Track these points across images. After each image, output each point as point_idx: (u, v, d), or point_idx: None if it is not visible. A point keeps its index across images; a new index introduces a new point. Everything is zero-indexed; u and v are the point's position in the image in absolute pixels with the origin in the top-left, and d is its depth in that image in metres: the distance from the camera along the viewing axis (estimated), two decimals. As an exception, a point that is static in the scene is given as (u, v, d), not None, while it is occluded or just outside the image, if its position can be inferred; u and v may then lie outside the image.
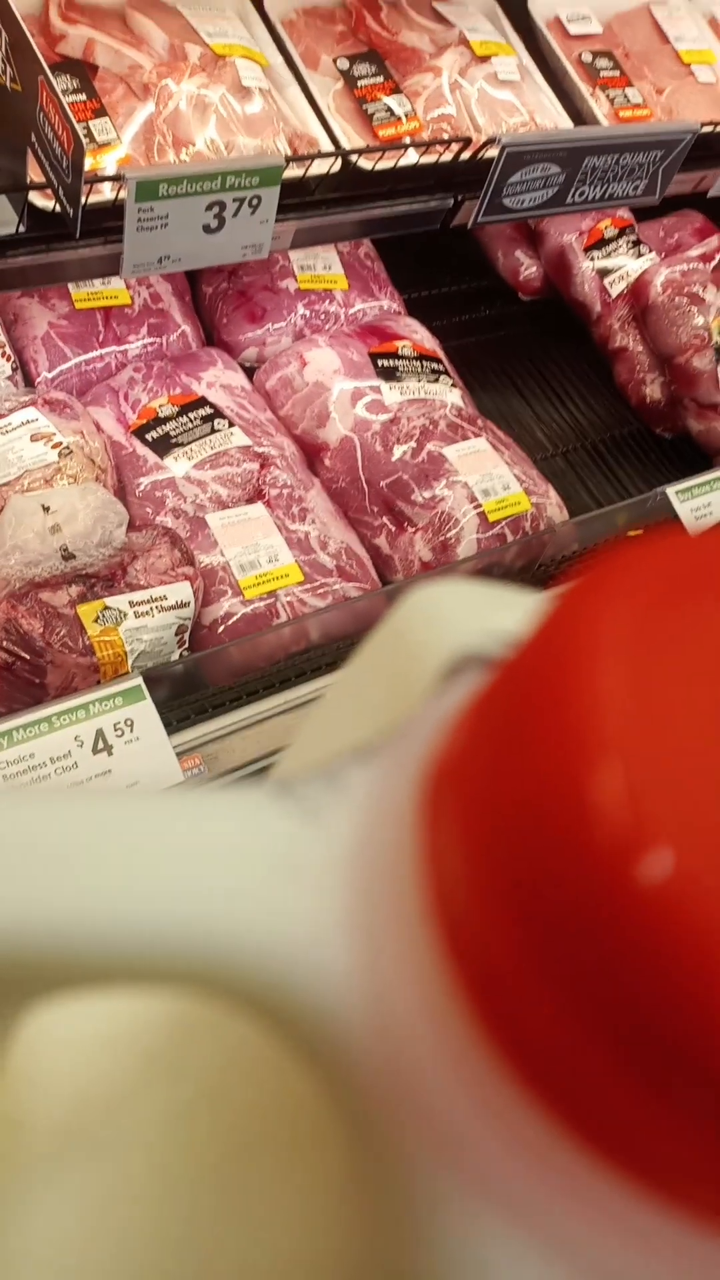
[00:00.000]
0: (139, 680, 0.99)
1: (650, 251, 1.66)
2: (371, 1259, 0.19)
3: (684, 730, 0.15)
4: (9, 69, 0.90)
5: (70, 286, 1.29)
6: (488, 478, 1.29)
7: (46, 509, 1.07)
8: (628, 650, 0.16)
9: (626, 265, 1.64)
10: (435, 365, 1.40)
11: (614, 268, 1.64)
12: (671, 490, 1.34)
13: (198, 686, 1.10)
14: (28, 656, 1.02)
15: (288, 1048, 0.19)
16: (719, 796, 0.14)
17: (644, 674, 0.15)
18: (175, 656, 1.09)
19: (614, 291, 1.63)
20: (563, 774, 0.15)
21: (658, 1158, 0.15)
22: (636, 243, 1.66)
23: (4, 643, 1.02)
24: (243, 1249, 0.21)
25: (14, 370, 1.24)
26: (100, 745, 0.99)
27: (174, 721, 1.05)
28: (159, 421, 1.24)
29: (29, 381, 1.27)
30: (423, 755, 0.18)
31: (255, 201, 1.00)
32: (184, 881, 0.18)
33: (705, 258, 1.57)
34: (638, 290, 1.57)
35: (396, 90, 1.24)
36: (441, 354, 1.45)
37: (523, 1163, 0.16)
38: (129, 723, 1.00)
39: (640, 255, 1.65)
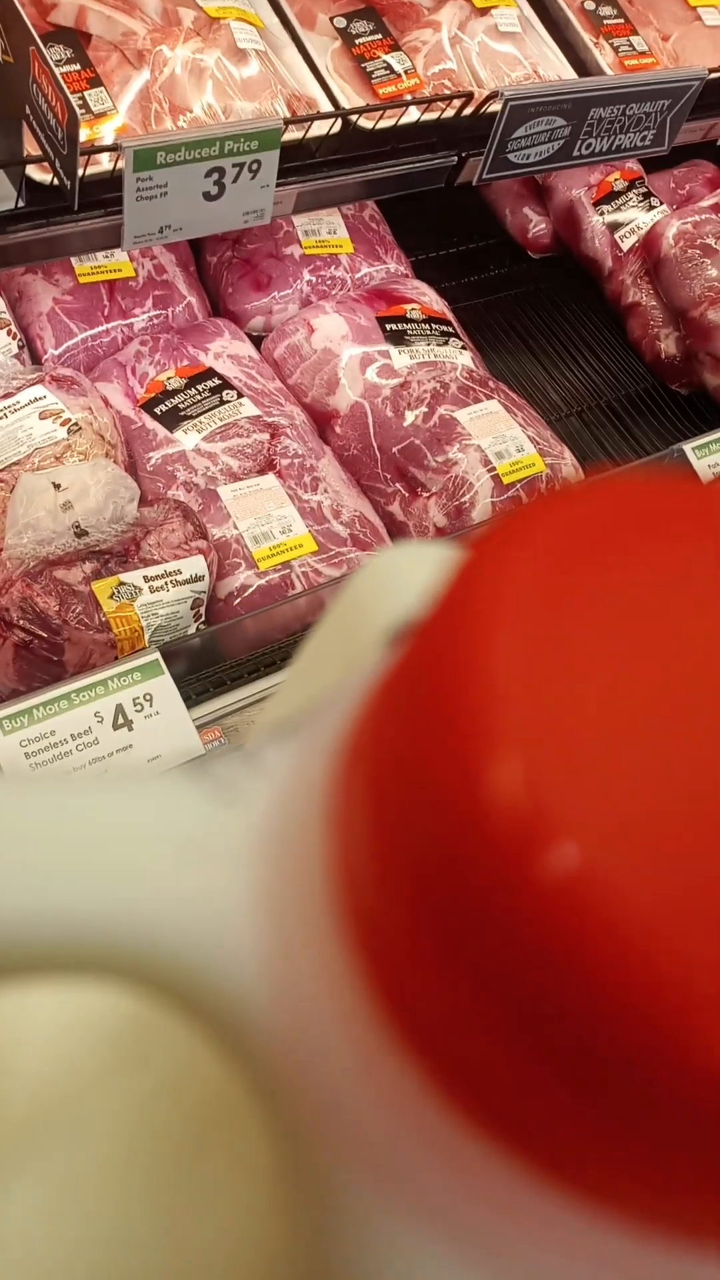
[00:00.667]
0: (156, 655, 0.99)
1: (661, 204, 1.63)
2: (300, 1260, 0.19)
3: (587, 706, 0.14)
4: (0, 40, 0.89)
5: (73, 261, 1.28)
6: (501, 440, 1.28)
7: (57, 486, 1.07)
8: (530, 618, 0.15)
9: (637, 218, 1.61)
10: (444, 327, 1.38)
11: (625, 221, 1.61)
12: (689, 447, 1.33)
13: (215, 660, 1.10)
14: (44, 634, 1.02)
15: (209, 1039, 0.18)
16: (618, 780, 0.14)
17: (546, 644, 0.14)
18: (191, 630, 1.09)
19: (625, 246, 1.60)
20: (455, 762, 0.14)
21: (564, 1150, 0.14)
22: (647, 195, 1.63)
23: (20, 621, 1.02)
24: (190, 1243, 0.21)
25: (20, 348, 1.23)
26: (120, 720, 0.99)
27: (193, 695, 1.05)
28: (167, 395, 1.24)
29: (35, 359, 1.26)
30: (338, 732, 0.17)
31: (255, 166, 0.98)
32: (89, 866, 0.17)
33: (717, 208, 1.54)
34: (649, 243, 1.54)
35: (396, 47, 1.22)
36: (450, 316, 1.43)
37: (433, 1160, 0.15)
38: (148, 697, 1.00)
39: (651, 208, 1.62)
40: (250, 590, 1.13)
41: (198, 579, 1.08)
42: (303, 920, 0.16)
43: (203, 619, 1.10)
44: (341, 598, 0.26)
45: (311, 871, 0.16)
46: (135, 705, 0.99)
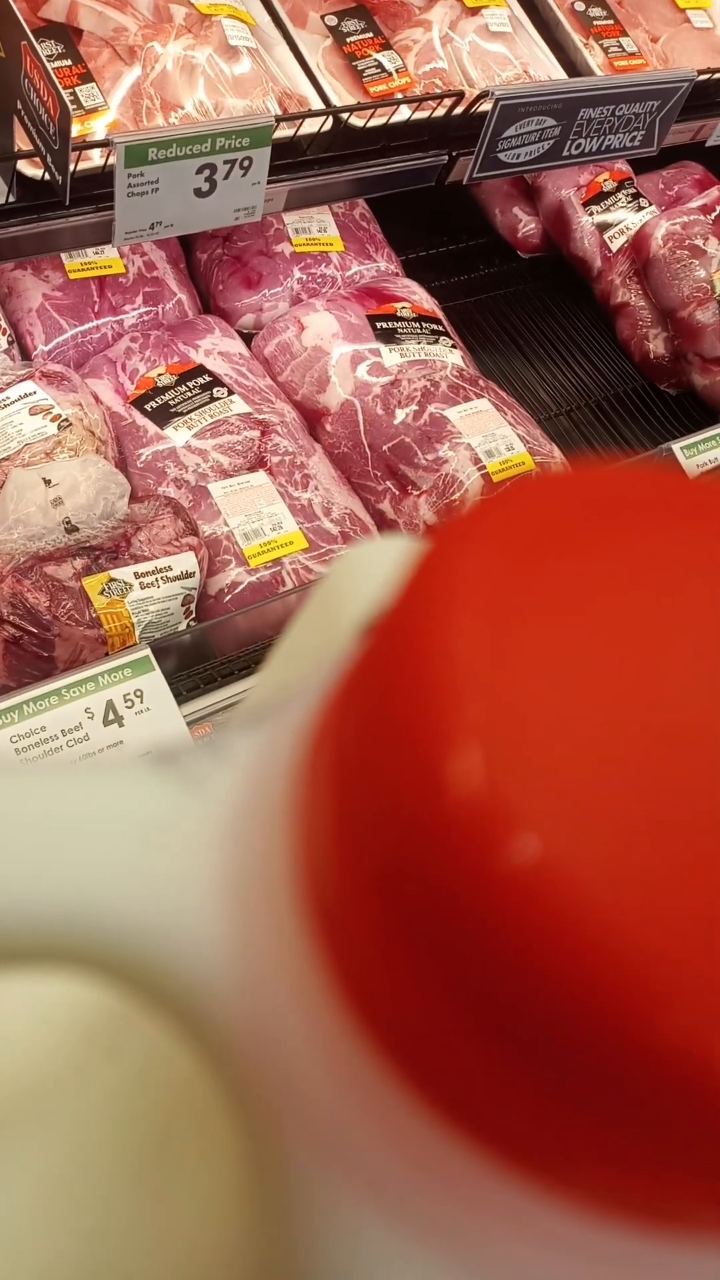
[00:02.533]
0: (147, 651, 0.99)
1: (650, 204, 1.63)
2: (267, 1251, 0.19)
3: (546, 695, 0.14)
4: (-8, 35, 0.89)
5: (64, 257, 1.28)
6: (491, 439, 1.28)
7: (48, 482, 1.07)
8: (489, 608, 0.15)
9: (626, 219, 1.62)
10: (435, 326, 1.38)
11: (614, 222, 1.62)
12: (677, 446, 1.33)
13: (206, 656, 1.10)
14: (35, 630, 1.02)
15: (173, 1029, 0.18)
16: (577, 770, 0.14)
17: (506, 634, 0.14)
18: (182, 627, 1.09)
19: (614, 246, 1.60)
20: (412, 753, 0.14)
21: (531, 1140, 0.14)
22: (636, 195, 1.64)
23: (11, 617, 1.02)
24: (160, 1235, 0.21)
25: (10, 343, 1.23)
26: (111, 717, 0.99)
27: (183, 691, 1.05)
28: (158, 391, 1.23)
29: (25, 355, 1.26)
30: (304, 722, 0.17)
31: (246, 163, 0.99)
32: (50, 853, 0.17)
33: (705, 209, 1.55)
34: (638, 244, 1.54)
35: (386, 46, 1.22)
36: (441, 315, 1.43)
37: (398, 1151, 0.15)
38: (139, 693, 1.00)
39: (640, 208, 1.63)
40: (241, 587, 1.13)
41: (188, 575, 1.08)
42: (266, 909, 0.16)
43: (193, 615, 1.10)
44: (318, 590, 0.26)
45: (275, 861, 0.16)
46: (126, 701, 0.99)
